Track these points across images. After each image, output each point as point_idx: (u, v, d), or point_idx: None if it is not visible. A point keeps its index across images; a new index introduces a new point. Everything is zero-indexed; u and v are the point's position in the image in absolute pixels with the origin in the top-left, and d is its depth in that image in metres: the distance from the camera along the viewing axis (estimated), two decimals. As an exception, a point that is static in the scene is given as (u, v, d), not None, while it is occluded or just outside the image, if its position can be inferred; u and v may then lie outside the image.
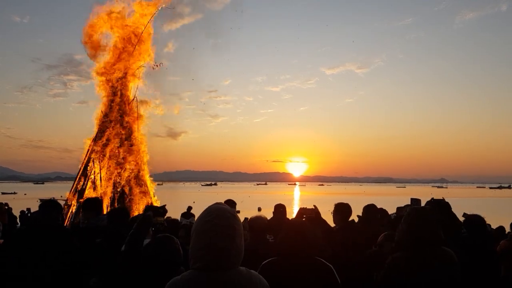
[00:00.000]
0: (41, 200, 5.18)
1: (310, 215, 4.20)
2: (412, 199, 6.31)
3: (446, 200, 4.53)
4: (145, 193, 13.54)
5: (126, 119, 13.58)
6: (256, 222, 4.19)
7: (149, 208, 5.78)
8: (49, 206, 3.63)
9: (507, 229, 7.60)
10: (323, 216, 4.28)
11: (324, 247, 3.82)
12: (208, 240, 1.67)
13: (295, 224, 2.81)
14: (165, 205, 5.02)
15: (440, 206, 4.27)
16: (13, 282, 3.19)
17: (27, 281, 3.16)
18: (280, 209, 5.50)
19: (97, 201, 4.94)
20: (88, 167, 13.14)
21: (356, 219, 5.13)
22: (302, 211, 4.25)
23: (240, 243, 1.74)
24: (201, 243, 1.69)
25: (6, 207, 8.77)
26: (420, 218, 2.77)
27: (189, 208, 13.10)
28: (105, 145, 13.25)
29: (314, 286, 2.54)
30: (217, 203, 1.84)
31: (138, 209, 12.57)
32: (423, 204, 5.08)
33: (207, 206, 1.82)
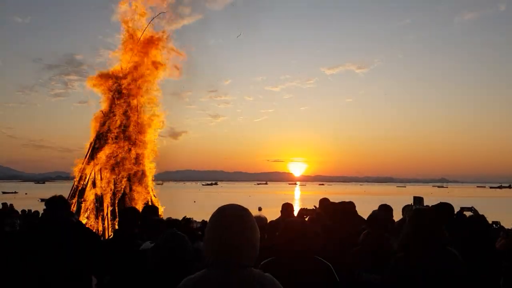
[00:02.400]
0: (42, 200, 5.26)
1: (310, 215, 4.23)
2: (415, 197, 6.35)
3: (447, 200, 4.57)
4: (145, 193, 13.55)
5: (129, 118, 13.57)
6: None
7: (147, 208, 5.78)
8: (56, 202, 3.74)
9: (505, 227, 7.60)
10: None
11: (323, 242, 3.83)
12: (216, 236, 1.66)
13: (293, 223, 2.81)
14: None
15: (441, 207, 4.30)
16: (26, 277, 3.24)
17: (40, 276, 3.22)
18: (288, 209, 5.56)
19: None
20: (88, 167, 13.16)
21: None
22: (302, 211, 4.28)
23: (253, 241, 1.69)
24: (210, 239, 1.68)
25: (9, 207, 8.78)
26: (424, 219, 2.76)
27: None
28: (106, 144, 13.26)
29: (313, 285, 2.55)
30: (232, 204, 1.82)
31: (137, 209, 12.56)
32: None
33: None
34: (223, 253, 1.64)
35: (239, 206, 1.77)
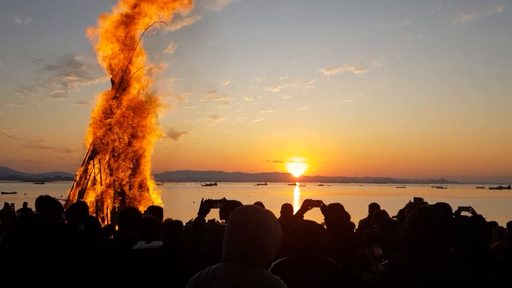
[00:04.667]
0: None
1: (316, 206, 4.20)
2: (415, 199, 6.35)
3: (446, 200, 4.57)
4: (145, 193, 13.55)
5: (129, 119, 13.57)
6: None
7: (151, 209, 5.75)
8: (49, 203, 3.67)
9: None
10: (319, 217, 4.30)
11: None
12: (230, 233, 1.77)
13: (306, 224, 2.83)
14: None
15: (441, 207, 4.30)
16: (19, 281, 3.20)
17: (33, 280, 3.18)
18: (288, 209, 5.62)
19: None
20: (88, 167, 13.15)
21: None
22: (307, 203, 4.25)
23: (265, 242, 1.75)
24: (226, 236, 1.80)
25: (12, 208, 8.69)
26: (425, 218, 2.75)
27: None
28: (106, 145, 13.26)
29: (323, 285, 2.58)
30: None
31: (138, 209, 12.55)
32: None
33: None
34: (234, 250, 1.74)
35: (258, 207, 1.86)
